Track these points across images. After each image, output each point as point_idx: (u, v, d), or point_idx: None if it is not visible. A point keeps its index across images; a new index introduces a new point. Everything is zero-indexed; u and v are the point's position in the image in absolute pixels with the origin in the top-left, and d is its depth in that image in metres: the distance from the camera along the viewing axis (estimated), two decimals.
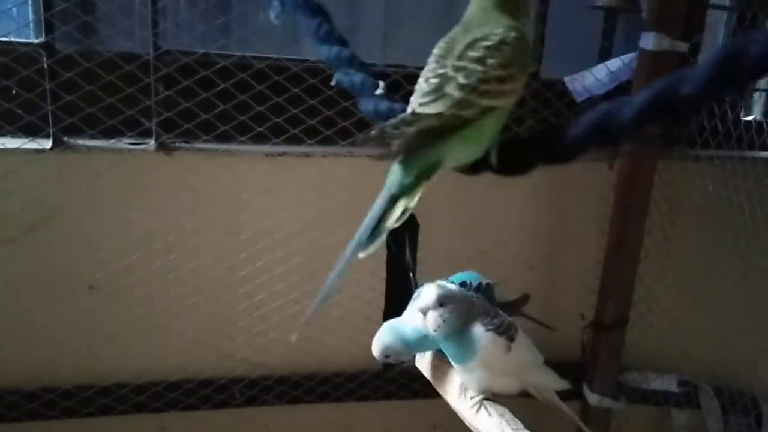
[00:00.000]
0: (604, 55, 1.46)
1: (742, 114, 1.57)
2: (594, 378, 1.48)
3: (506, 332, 0.82)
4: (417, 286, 0.97)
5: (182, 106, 1.23)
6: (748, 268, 1.45)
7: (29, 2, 1.19)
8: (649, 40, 1.28)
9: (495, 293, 0.91)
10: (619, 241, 1.40)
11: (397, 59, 1.39)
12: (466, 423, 0.84)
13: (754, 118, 1.61)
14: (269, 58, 1.28)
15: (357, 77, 0.62)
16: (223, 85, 1.23)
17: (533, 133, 0.62)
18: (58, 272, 1.24)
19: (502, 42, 0.59)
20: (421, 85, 0.61)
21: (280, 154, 1.29)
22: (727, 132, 1.45)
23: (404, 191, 0.60)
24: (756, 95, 1.67)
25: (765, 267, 1.45)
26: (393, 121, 0.57)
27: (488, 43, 0.59)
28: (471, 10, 0.66)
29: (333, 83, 0.65)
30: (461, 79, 0.58)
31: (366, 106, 0.61)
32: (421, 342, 0.86)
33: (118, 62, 1.18)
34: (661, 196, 1.49)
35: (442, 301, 0.80)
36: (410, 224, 1.13)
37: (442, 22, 1.57)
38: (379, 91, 0.62)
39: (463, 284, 0.89)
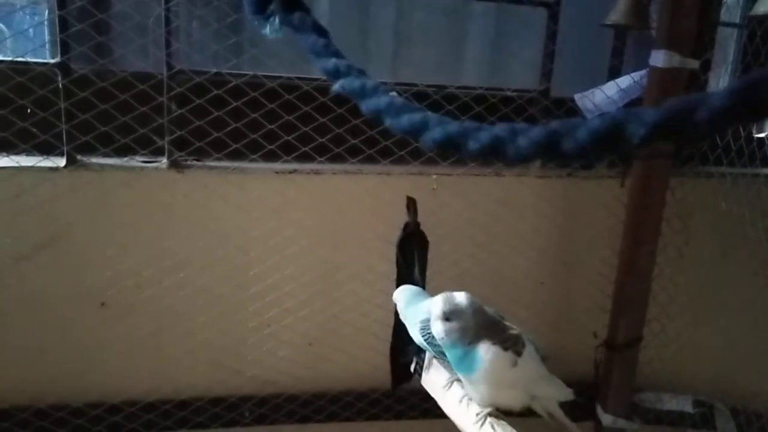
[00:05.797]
0: (615, 73, 1.46)
1: (754, 131, 1.56)
2: (607, 398, 1.45)
3: (513, 347, 0.83)
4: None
5: (194, 124, 1.24)
6: (763, 285, 1.43)
7: (45, 23, 1.22)
8: (659, 58, 1.28)
9: None
10: (631, 260, 1.39)
11: (406, 78, 1.40)
12: None
13: (767, 135, 1.60)
14: (280, 77, 1.29)
15: (365, 80, 0.64)
16: (234, 104, 1.24)
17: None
18: (70, 289, 1.25)
19: None
20: None
21: (291, 172, 1.30)
22: (739, 149, 1.44)
23: None
24: None
25: None
26: None
27: None
28: None
29: (335, 90, 0.66)
30: None
31: (375, 103, 0.62)
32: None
33: (132, 81, 1.20)
34: (674, 214, 1.47)
35: (448, 317, 0.82)
36: (420, 241, 1.13)
37: (450, 41, 1.59)
38: (393, 94, 0.63)
39: None
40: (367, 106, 0.62)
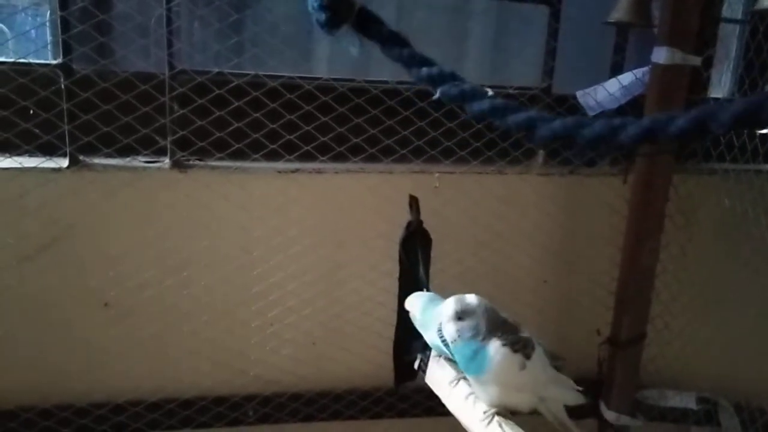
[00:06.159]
0: (617, 70, 1.46)
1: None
2: (611, 395, 1.46)
3: (522, 350, 0.82)
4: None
5: (196, 124, 1.24)
6: (766, 282, 1.43)
7: (47, 24, 1.22)
8: (661, 54, 1.28)
9: None
10: (634, 257, 1.39)
11: (407, 76, 1.40)
12: None
13: None
14: (282, 76, 1.29)
15: (466, 86, 0.66)
16: (236, 104, 1.24)
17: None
18: (73, 290, 1.25)
19: None
20: None
21: (293, 171, 1.30)
22: (742, 145, 1.44)
23: None
24: None
25: None
26: None
27: None
28: None
29: (436, 99, 0.68)
30: None
31: (479, 107, 0.64)
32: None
33: (134, 82, 1.20)
34: (677, 211, 1.47)
35: (460, 316, 0.82)
36: (423, 240, 1.13)
37: (451, 39, 1.58)
38: (490, 93, 0.65)
39: None
40: (471, 109, 0.65)
